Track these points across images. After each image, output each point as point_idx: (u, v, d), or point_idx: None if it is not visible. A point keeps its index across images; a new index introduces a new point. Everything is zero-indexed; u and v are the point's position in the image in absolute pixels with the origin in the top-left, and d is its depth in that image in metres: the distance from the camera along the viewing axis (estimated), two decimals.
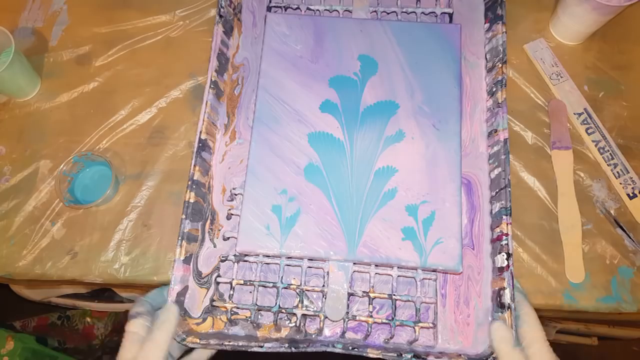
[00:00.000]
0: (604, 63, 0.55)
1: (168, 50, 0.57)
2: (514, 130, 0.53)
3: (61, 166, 0.50)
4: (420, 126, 0.48)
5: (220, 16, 0.52)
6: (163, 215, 0.50)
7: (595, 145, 0.51)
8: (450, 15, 0.54)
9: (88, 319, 1.00)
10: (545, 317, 0.72)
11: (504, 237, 0.44)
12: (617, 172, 0.50)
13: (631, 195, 0.50)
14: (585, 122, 0.52)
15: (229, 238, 0.48)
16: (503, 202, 0.45)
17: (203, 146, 0.48)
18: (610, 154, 0.51)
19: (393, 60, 0.50)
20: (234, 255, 0.47)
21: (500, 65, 0.49)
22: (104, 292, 0.78)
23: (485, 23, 0.55)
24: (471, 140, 0.51)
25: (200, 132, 0.48)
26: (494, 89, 0.50)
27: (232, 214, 0.49)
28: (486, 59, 0.53)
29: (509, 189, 0.45)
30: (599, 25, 0.53)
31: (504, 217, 0.44)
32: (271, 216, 0.46)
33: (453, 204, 0.45)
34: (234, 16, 0.56)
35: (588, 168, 0.51)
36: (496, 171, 0.47)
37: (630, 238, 0.48)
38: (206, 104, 0.49)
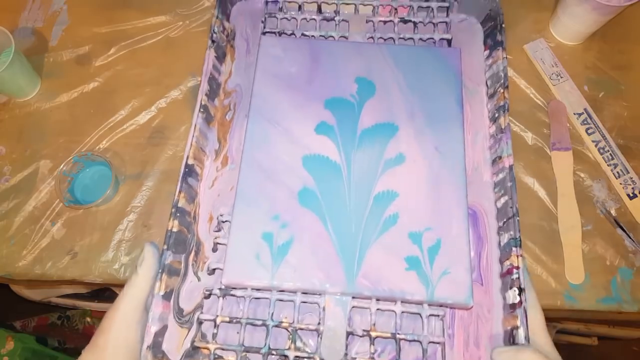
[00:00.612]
0: (604, 63, 0.55)
1: (168, 50, 0.58)
2: (514, 131, 0.52)
3: (61, 166, 0.50)
4: (421, 149, 0.46)
5: (213, 41, 0.50)
6: (163, 215, 0.50)
7: (595, 146, 0.51)
8: (449, 42, 0.53)
9: (88, 319, 1.00)
10: (545, 317, 0.72)
11: (515, 271, 0.40)
12: (617, 172, 0.50)
13: (631, 195, 0.50)
14: (585, 122, 0.52)
15: (214, 270, 0.45)
16: (512, 232, 0.42)
17: (190, 172, 0.45)
18: (610, 154, 0.51)
19: (391, 82, 0.49)
20: (219, 288, 0.43)
21: (502, 90, 0.48)
22: (104, 292, 0.78)
23: (485, 50, 0.53)
24: (474, 169, 0.48)
25: (187, 157, 0.45)
26: (497, 115, 0.48)
27: (219, 244, 0.45)
28: (487, 85, 0.52)
29: (517, 218, 0.42)
30: (599, 25, 0.53)
31: (514, 248, 0.41)
32: (262, 244, 0.42)
33: (460, 231, 0.42)
34: (227, 42, 0.54)
35: (588, 168, 0.51)
36: (502, 200, 0.45)
37: (630, 238, 0.48)
38: (194, 128, 0.46)
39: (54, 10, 0.60)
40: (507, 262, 0.42)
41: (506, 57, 0.49)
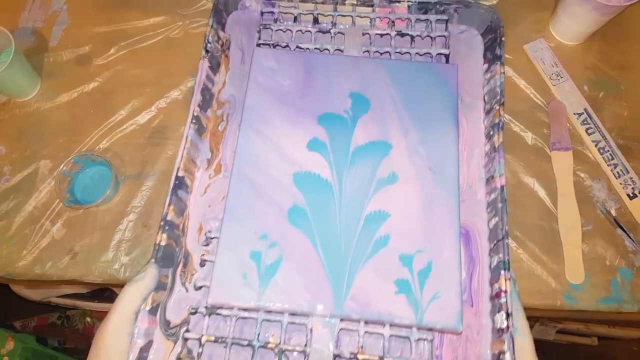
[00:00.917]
0: (604, 63, 0.55)
1: (168, 50, 0.57)
2: (514, 130, 0.53)
3: (61, 166, 0.50)
4: (415, 168, 0.45)
5: (207, 51, 0.50)
6: None
7: (595, 146, 0.51)
8: (447, 57, 0.52)
9: (88, 319, 1.00)
10: (545, 317, 0.72)
11: (503, 295, 0.39)
12: (617, 172, 0.50)
13: (631, 195, 0.50)
14: (585, 122, 0.52)
15: (201, 287, 0.44)
16: (501, 255, 0.41)
17: (180, 184, 0.44)
18: (610, 154, 0.51)
19: (386, 98, 0.48)
20: (205, 307, 0.42)
21: (497, 107, 0.47)
22: (103, 292, 0.78)
23: (484, 64, 0.52)
24: (468, 186, 0.47)
25: (178, 169, 0.44)
26: (491, 132, 0.47)
27: (206, 261, 0.45)
28: (484, 100, 0.51)
29: (507, 241, 0.41)
30: (599, 25, 0.53)
31: (502, 271, 0.40)
32: (249, 264, 0.41)
33: (452, 254, 0.42)
34: (222, 52, 0.53)
35: (588, 168, 0.51)
36: (494, 221, 0.44)
37: (630, 238, 0.48)
38: (186, 140, 0.46)
39: (54, 10, 0.60)
40: (497, 285, 0.41)
41: (504, 73, 0.48)
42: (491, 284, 0.43)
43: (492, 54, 0.51)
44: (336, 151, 0.46)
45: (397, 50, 0.53)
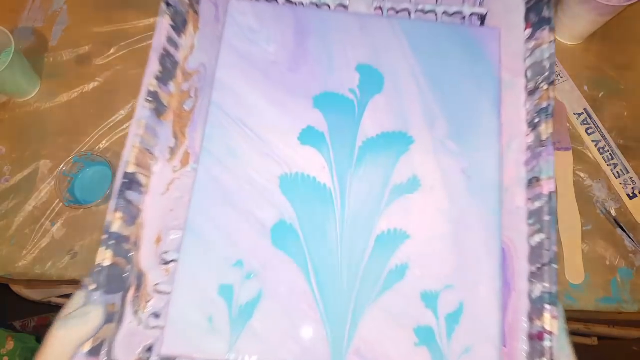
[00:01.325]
0: (604, 63, 0.55)
1: None
2: None
3: (61, 166, 0.50)
4: (443, 171, 0.35)
5: (168, 4, 0.38)
6: None
7: (595, 146, 0.51)
8: (483, 18, 0.40)
9: None
10: None
11: (547, 337, 0.30)
12: (617, 172, 0.50)
13: (631, 195, 0.50)
14: (585, 122, 0.52)
15: (154, 328, 0.33)
16: (547, 284, 0.31)
17: (130, 184, 0.33)
18: (610, 154, 0.51)
19: (406, 73, 0.37)
20: (158, 356, 0.31)
21: (545, 86, 0.36)
22: None
23: (526, 29, 0.40)
24: (504, 190, 0.36)
25: (127, 164, 0.33)
26: (537, 120, 0.36)
27: (161, 293, 0.33)
28: (526, 77, 0.39)
29: (555, 266, 0.32)
30: (599, 25, 0.53)
31: (547, 306, 0.31)
32: (217, 302, 0.31)
33: (491, 292, 0.32)
34: (190, 7, 0.40)
35: (588, 168, 0.51)
36: (538, 237, 0.33)
37: (630, 238, 0.48)
38: (138, 124, 0.34)
39: (54, 10, 0.60)
40: (539, 323, 0.31)
41: (554, 41, 0.38)
42: (531, 319, 0.33)
43: (538, 17, 0.39)
44: (338, 146, 0.35)
45: (419, 8, 0.41)
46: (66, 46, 0.58)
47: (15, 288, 0.69)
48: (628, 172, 0.50)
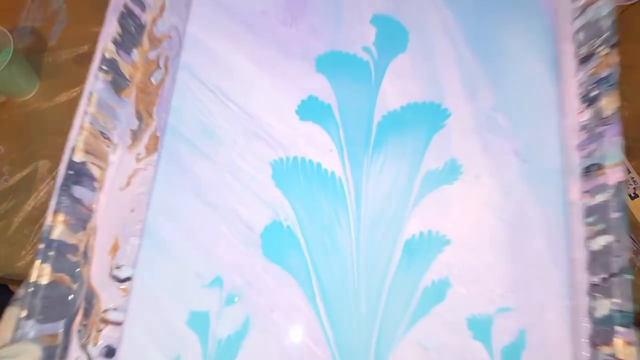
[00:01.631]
0: None
1: None
2: None
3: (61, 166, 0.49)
4: (490, 154, 0.27)
5: None
6: None
7: None
8: None
9: None
10: None
11: None
12: None
13: (632, 195, 0.50)
14: None
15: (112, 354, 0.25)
16: (618, 299, 0.24)
17: (77, 176, 0.26)
18: None
19: (437, 27, 0.28)
20: None
21: (604, 51, 0.30)
22: None
23: None
24: None
25: (73, 150, 0.26)
26: (595, 93, 0.30)
27: (110, 322, 0.25)
28: (576, 42, 0.33)
29: (630, 277, 0.25)
30: None
31: (620, 329, 0.24)
32: (187, 336, 0.23)
33: (560, 315, 0.24)
34: None
35: None
36: (602, 240, 0.26)
37: (631, 238, 0.48)
38: (89, 99, 0.28)
39: (54, 10, 0.60)
40: (606, 350, 0.24)
41: None
42: (594, 344, 0.25)
43: None
44: (349, 122, 0.27)
45: None
46: (65, 46, 0.58)
47: (15, 288, 0.69)
48: (629, 172, 0.50)
